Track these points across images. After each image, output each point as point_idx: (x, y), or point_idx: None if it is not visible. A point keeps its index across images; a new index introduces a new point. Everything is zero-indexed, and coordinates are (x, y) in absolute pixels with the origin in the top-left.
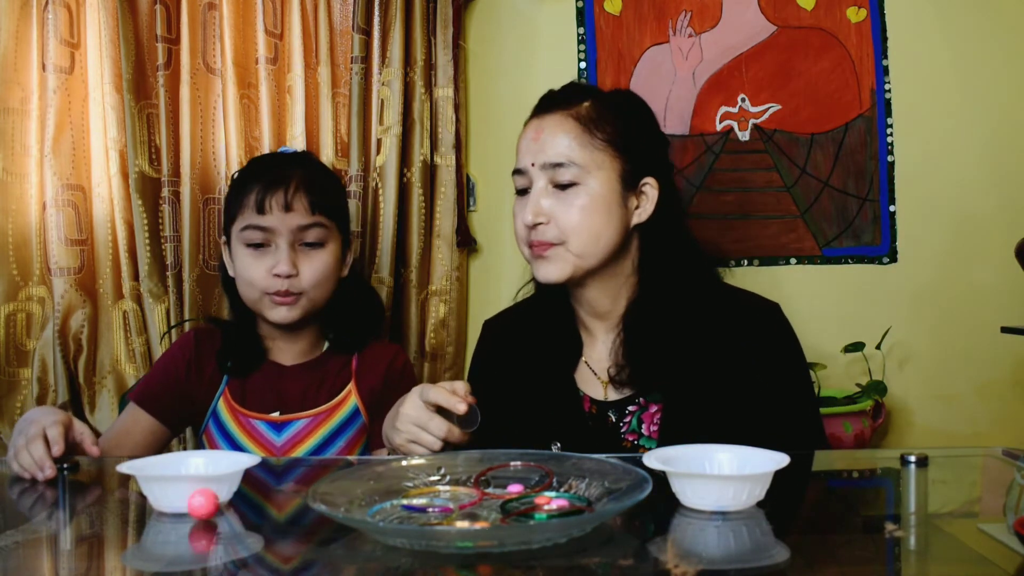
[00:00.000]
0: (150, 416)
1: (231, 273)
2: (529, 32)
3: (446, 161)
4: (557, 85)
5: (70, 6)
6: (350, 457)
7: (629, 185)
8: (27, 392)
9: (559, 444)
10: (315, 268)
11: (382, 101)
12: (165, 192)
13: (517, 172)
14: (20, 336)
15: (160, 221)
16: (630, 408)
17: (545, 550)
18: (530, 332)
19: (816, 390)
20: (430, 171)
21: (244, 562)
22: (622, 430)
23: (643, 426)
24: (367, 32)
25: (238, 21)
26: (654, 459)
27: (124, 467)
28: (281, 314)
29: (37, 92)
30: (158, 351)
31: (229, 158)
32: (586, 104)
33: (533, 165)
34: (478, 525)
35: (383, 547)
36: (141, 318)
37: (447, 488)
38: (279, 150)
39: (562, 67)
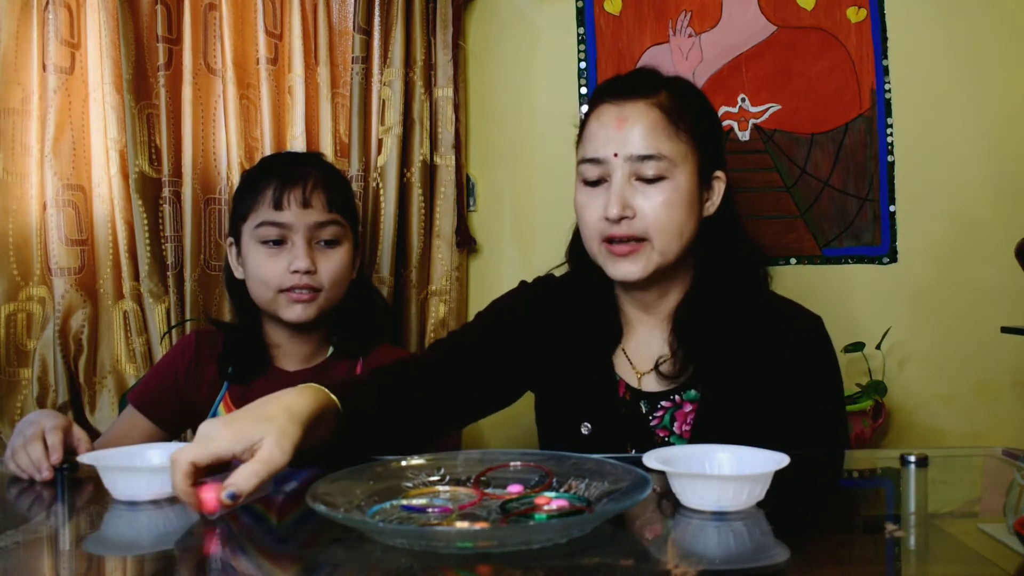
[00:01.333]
0: (147, 420)
1: (238, 275)
2: (529, 32)
3: (446, 161)
4: (557, 85)
5: (70, 6)
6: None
7: (704, 179)
8: (27, 392)
9: (589, 425)
10: (333, 266)
11: (382, 101)
12: (165, 192)
13: (589, 161)
14: (20, 336)
15: (160, 221)
16: (663, 403)
17: (545, 550)
18: (571, 308)
19: None
20: (430, 171)
21: (244, 562)
22: (652, 423)
23: (675, 424)
24: (367, 32)
25: (238, 21)
26: (654, 459)
27: (84, 458)
28: (297, 312)
29: (37, 92)
30: (158, 351)
31: (229, 158)
32: (664, 93)
33: (616, 156)
34: (478, 525)
35: (382, 547)
36: (141, 318)
37: (447, 488)
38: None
39: (562, 67)
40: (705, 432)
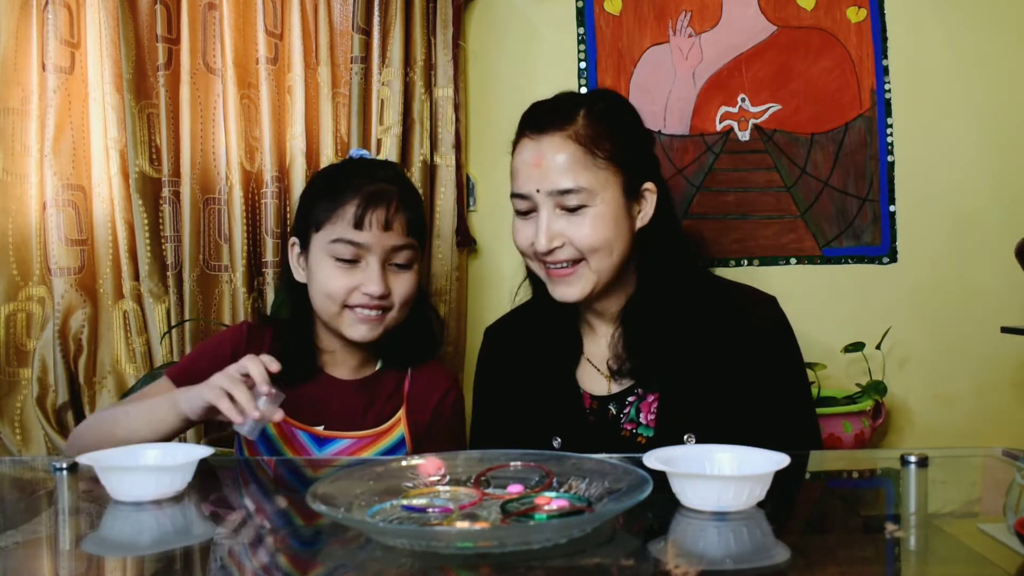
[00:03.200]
0: None
1: (299, 277)
2: (529, 32)
3: (446, 161)
4: (557, 85)
5: (70, 6)
6: (349, 458)
7: (632, 194)
8: (27, 392)
9: (559, 440)
10: (404, 288)
11: (382, 101)
12: (165, 192)
13: (518, 196)
14: (20, 336)
15: (160, 221)
16: (629, 399)
17: (545, 550)
18: (531, 334)
19: (816, 390)
20: (430, 171)
21: (244, 562)
22: (621, 420)
23: (640, 415)
24: (367, 32)
25: (238, 21)
26: (654, 459)
27: (83, 458)
28: (361, 332)
29: (37, 92)
30: (158, 351)
31: (229, 158)
32: (580, 120)
33: (539, 192)
34: (478, 525)
35: (383, 547)
36: (141, 318)
37: (447, 488)
38: (357, 154)
39: (562, 67)
40: (669, 420)
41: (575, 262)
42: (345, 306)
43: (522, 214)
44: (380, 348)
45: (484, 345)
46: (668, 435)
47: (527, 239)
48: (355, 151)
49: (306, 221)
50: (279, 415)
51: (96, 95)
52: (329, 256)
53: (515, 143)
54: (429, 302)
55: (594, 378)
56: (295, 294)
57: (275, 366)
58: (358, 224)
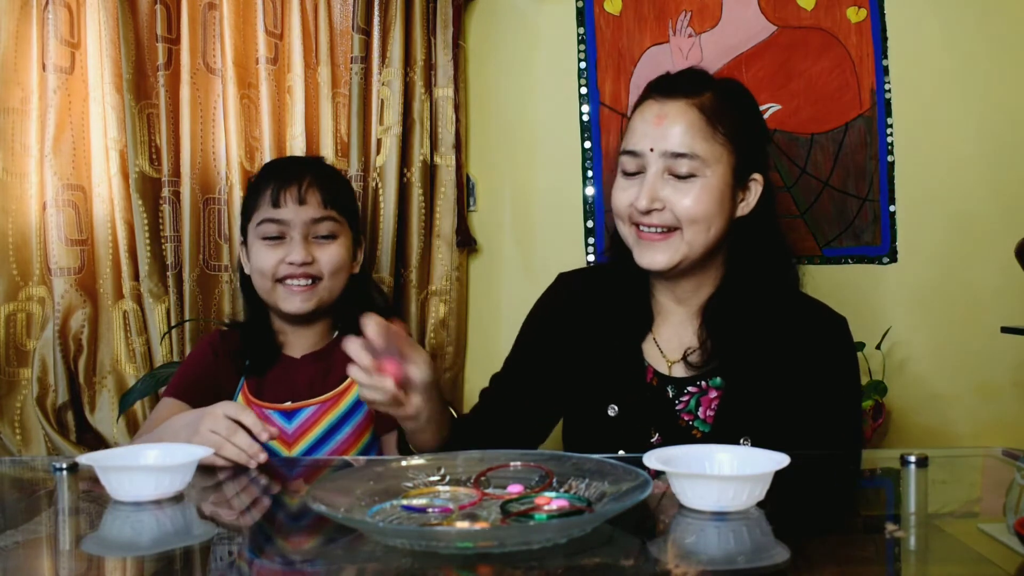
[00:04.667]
0: (190, 407)
1: (246, 270)
2: (529, 32)
3: (446, 161)
4: (557, 85)
5: (70, 6)
6: (348, 458)
7: (740, 179)
8: (27, 392)
9: (616, 408)
10: (329, 256)
11: (382, 101)
12: (165, 192)
13: (629, 153)
14: (20, 336)
15: (160, 221)
16: (690, 388)
17: (545, 550)
18: (604, 296)
19: None
20: (430, 171)
21: (243, 562)
22: (678, 407)
23: (700, 409)
24: (367, 32)
25: (238, 21)
26: (654, 459)
27: (83, 458)
28: (295, 304)
29: (37, 92)
30: (158, 351)
31: (229, 158)
32: (708, 94)
33: (652, 151)
34: (478, 525)
35: (383, 547)
36: (141, 318)
37: (447, 488)
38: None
39: (562, 67)
40: (728, 419)
41: (670, 230)
42: (277, 281)
43: (628, 174)
44: (335, 324)
45: (554, 288)
46: (725, 433)
47: (627, 199)
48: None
49: (243, 217)
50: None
51: (96, 95)
52: (259, 239)
53: (636, 105)
54: (374, 282)
55: (657, 359)
56: (249, 290)
57: (265, 435)
58: (275, 203)
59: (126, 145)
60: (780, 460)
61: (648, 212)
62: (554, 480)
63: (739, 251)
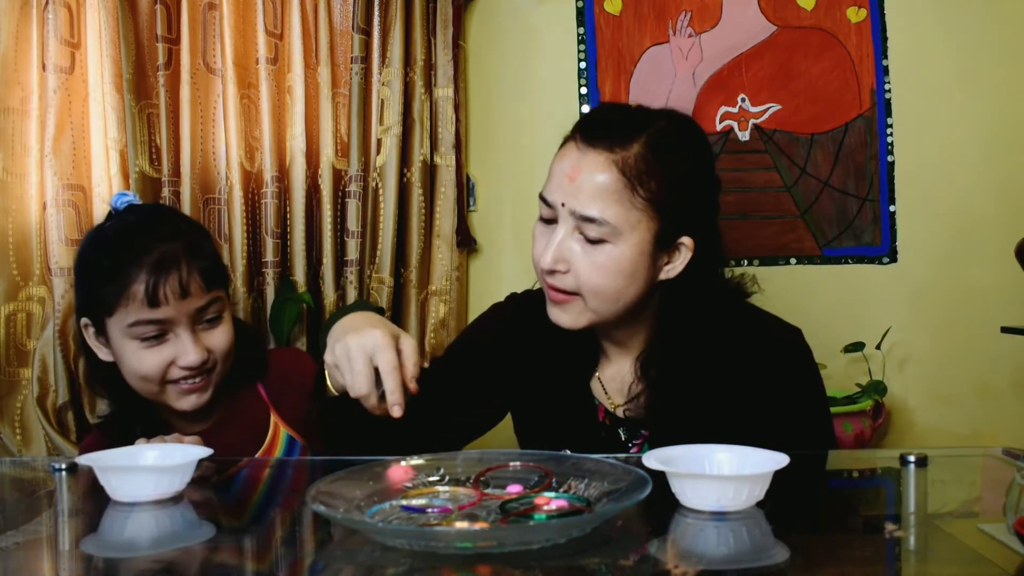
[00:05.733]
0: None
1: (103, 356)
2: (529, 32)
3: (446, 161)
4: (557, 85)
5: (70, 6)
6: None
7: (663, 245)
8: (27, 392)
9: (568, 451)
10: (222, 342)
11: (382, 101)
12: (165, 192)
13: (544, 201)
14: (20, 336)
15: None
16: (643, 431)
17: (544, 550)
18: (551, 329)
19: None
20: (430, 171)
21: (243, 563)
22: (632, 451)
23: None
24: (367, 32)
25: (238, 21)
26: (654, 459)
27: (83, 459)
28: (191, 402)
29: (37, 92)
30: None
31: (229, 158)
32: (636, 148)
33: (563, 206)
34: (477, 526)
35: (382, 548)
36: None
37: (446, 489)
38: (117, 203)
39: (562, 67)
40: None
41: (574, 295)
42: (165, 382)
43: (544, 220)
44: (218, 395)
45: (504, 307)
46: None
47: (538, 251)
48: (117, 199)
49: (93, 304)
50: None
51: (96, 95)
52: (132, 339)
53: (564, 140)
54: (244, 323)
55: (603, 398)
56: (105, 374)
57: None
58: (152, 302)
59: (126, 145)
60: (780, 460)
61: (552, 272)
62: (553, 480)
63: (669, 310)
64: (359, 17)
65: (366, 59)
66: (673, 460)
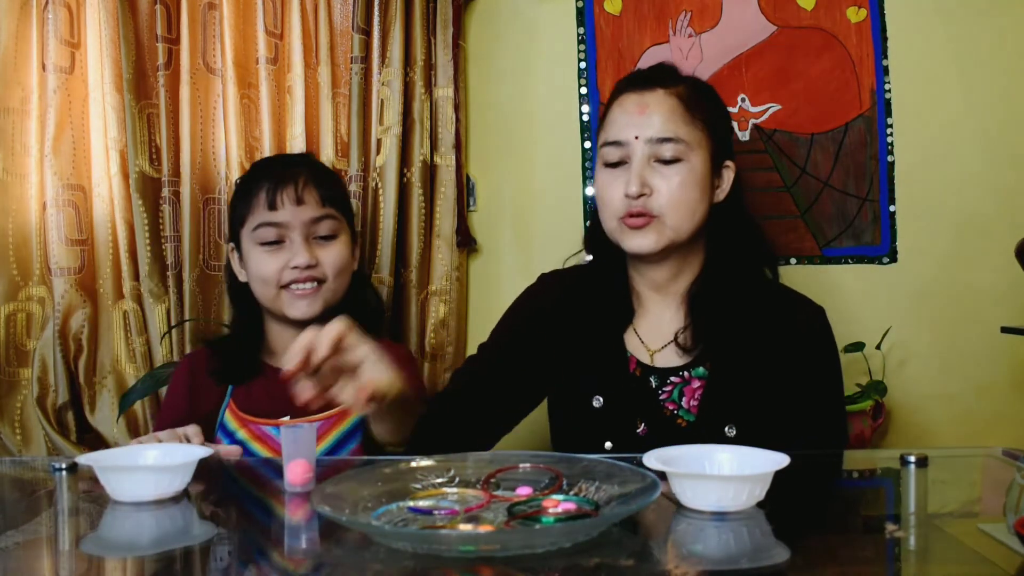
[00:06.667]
0: None
1: (241, 278)
2: (529, 32)
3: (446, 161)
4: (557, 85)
5: (70, 6)
6: (349, 458)
7: (716, 165)
8: (27, 392)
9: (601, 399)
10: (333, 257)
11: (382, 101)
12: (165, 192)
13: (612, 144)
14: (20, 336)
15: (160, 221)
16: (672, 379)
17: (548, 552)
18: (585, 291)
19: None
20: (430, 171)
21: (245, 563)
22: (661, 398)
23: (683, 399)
24: (367, 32)
25: (238, 21)
26: (654, 459)
27: (83, 459)
28: (302, 309)
29: (37, 92)
30: (158, 351)
31: (229, 158)
32: (682, 86)
33: (637, 138)
34: (483, 528)
35: (387, 550)
36: (141, 318)
37: (455, 490)
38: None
39: (562, 67)
40: (712, 408)
41: (655, 216)
42: (281, 287)
43: (610, 165)
44: None
45: (535, 287)
46: (710, 423)
47: (616, 189)
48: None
49: (232, 222)
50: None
51: (96, 95)
52: (256, 244)
53: (612, 100)
54: (369, 282)
55: (638, 350)
56: (239, 297)
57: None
58: (271, 205)
59: (126, 145)
60: (780, 460)
61: (637, 197)
62: (564, 482)
63: (718, 236)
64: (359, 17)
65: (366, 59)
66: (673, 460)
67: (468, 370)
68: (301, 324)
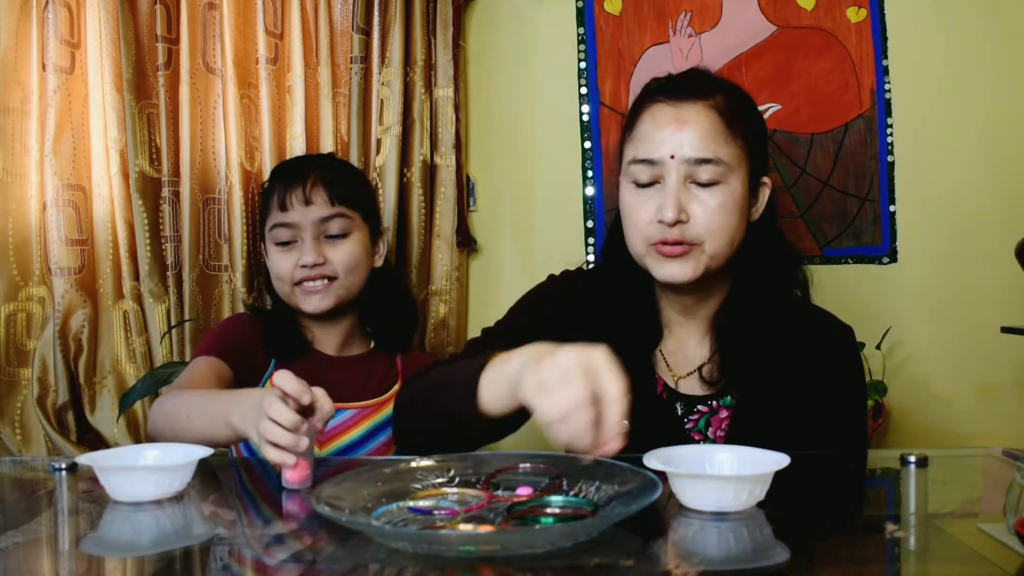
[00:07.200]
0: (225, 365)
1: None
2: (529, 32)
3: (446, 161)
4: (557, 85)
5: (70, 6)
6: (358, 457)
7: (753, 184)
8: (27, 392)
9: (625, 422)
10: (343, 254)
11: (382, 101)
12: (165, 192)
13: (643, 162)
14: (20, 336)
15: (160, 221)
16: (700, 407)
17: (548, 552)
18: (611, 301)
19: None
20: (430, 171)
21: (245, 563)
22: (687, 426)
23: (710, 429)
24: (367, 32)
25: (238, 21)
26: (654, 459)
27: (83, 459)
28: (314, 303)
29: (37, 92)
30: (158, 351)
31: (229, 158)
32: (720, 95)
33: (673, 158)
34: (483, 528)
35: (387, 550)
36: (141, 318)
37: (455, 490)
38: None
39: (562, 67)
40: (739, 438)
41: (692, 244)
42: (295, 284)
43: (642, 185)
44: (359, 329)
45: (556, 282)
46: None
47: (646, 212)
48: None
49: (260, 220)
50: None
51: (96, 95)
52: (273, 243)
53: (642, 108)
54: (404, 284)
55: (665, 372)
56: (272, 289)
57: (307, 398)
58: (282, 206)
59: (126, 145)
60: (780, 460)
61: (673, 224)
62: (564, 482)
63: (747, 258)
64: (359, 17)
65: (366, 59)
66: (673, 460)
67: (478, 346)
68: (320, 316)
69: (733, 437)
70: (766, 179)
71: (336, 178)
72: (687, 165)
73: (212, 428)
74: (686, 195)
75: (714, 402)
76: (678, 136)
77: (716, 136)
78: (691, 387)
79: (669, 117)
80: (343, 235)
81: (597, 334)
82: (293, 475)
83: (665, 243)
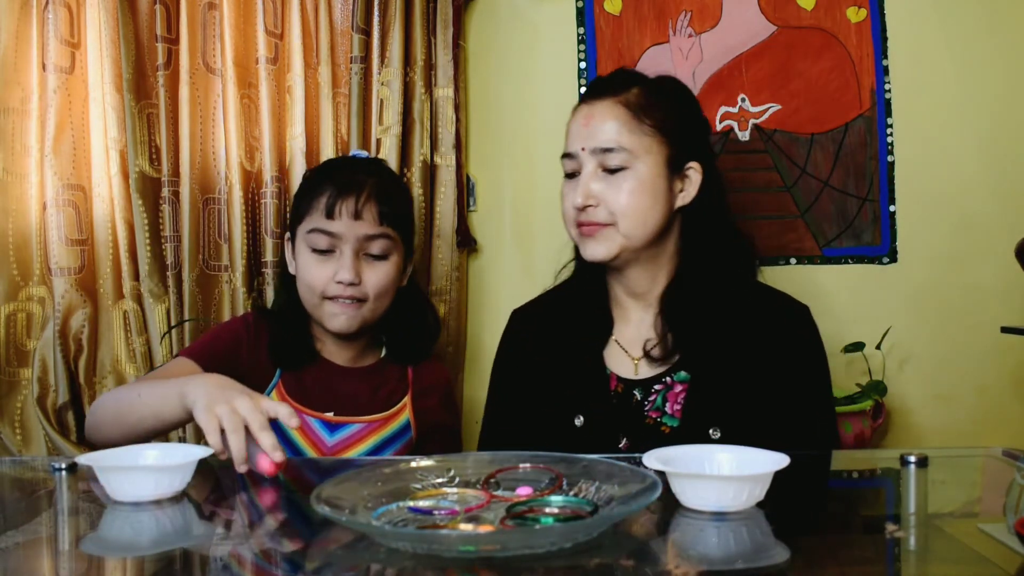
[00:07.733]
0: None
1: (292, 270)
2: (529, 32)
3: (446, 161)
4: (557, 85)
5: (70, 6)
6: (357, 458)
7: (675, 169)
8: (27, 392)
9: (582, 418)
10: (378, 278)
11: (382, 101)
12: (165, 192)
13: (567, 156)
14: (20, 336)
15: (160, 221)
16: (656, 387)
17: (548, 552)
18: (561, 313)
19: None
20: (430, 171)
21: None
22: (646, 408)
23: (667, 404)
24: (367, 32)
25: (238, 21)
26: (654, 459)
27: (83, 459)
28: (340, 323)
29: (37, 92)
30: (158, 351)
31: (229, 158)
32: (634, 91)
33: (583, 150)
34: (483, 528)
35: (387, 550)
36: (141, 318)
37: (455, 490)
38: (352, 154)
39: (562, 67)
40: (695, 411)
41: (606, 224)
42: (325, 297)
43: (569, 176)
44: (373, 339)
45: (509, 326)
46: (694, 427)
47: (569, 200)
48: (355, 152)
49: (293, 215)
50: (268, 467)
51: (96, 95)
52: (308, 247)
53: (573, 111)
54: (426, 298)
55: (621, 361)
56: (289, 286)
57: (294, 422)
58: (329, 213)
59: (126, 145)
60: (780, 460)
61: (584, 209)
62: (564, 482)
63: (689, 241)
64: (359, 17)
65: (366, 59)
66: (673, 460)
67: (492, 443)
68: (338, 334)
69: (689, 410)
70: (693, 164)
71: (388, 194)
72: (596, 155)
73: (164, 402)
74: (597, 181)
75: (668, 378)
76: (587, 130)
77: (620, 127)
78: (648, 369)
79: (583, 115)
80: (383, 256)
81: (551, 347)
82: (264, 463)
83: (581, 224)
